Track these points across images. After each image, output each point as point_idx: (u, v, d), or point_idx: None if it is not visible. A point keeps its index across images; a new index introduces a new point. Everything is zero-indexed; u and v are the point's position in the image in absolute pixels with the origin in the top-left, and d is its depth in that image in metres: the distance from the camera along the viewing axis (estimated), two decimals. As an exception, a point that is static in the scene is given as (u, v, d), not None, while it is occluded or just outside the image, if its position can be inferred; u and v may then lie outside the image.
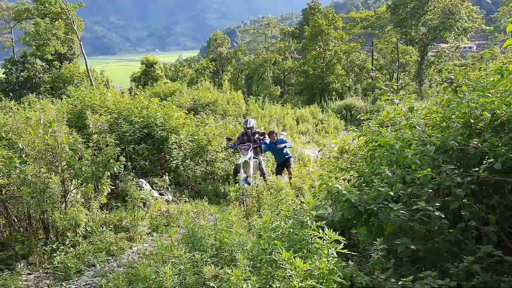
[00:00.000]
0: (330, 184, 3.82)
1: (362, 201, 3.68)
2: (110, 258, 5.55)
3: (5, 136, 6.75)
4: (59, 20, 30.95)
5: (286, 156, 10.51)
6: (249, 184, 8.61)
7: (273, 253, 2.43)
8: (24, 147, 5.99)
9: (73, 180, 5.98)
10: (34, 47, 31.12)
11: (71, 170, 5.89)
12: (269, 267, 2.38)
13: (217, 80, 43.83)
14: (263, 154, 10.28)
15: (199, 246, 3.09)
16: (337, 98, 35.18)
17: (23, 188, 5.34)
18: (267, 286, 2.34)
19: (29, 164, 5.64)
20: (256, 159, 9.65)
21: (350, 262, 3.26)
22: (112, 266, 5.27)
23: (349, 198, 3.59)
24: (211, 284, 2.41)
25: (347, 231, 4.93)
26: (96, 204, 6.86)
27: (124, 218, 6.59)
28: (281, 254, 2.27)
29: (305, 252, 2.52)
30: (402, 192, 3.77)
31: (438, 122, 4.77)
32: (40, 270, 5.10)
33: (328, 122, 24.54)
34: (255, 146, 9.77)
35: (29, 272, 5.07)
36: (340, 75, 39.46)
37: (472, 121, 4.26)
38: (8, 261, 5.27)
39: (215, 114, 16.81)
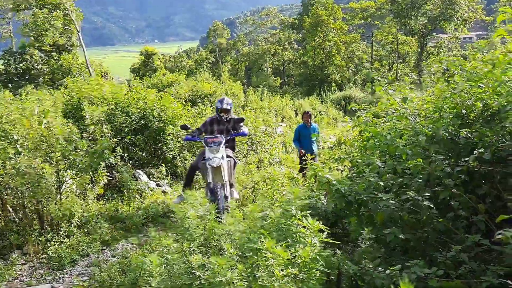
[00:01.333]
0: (320, 174, 3.84)
1: (353, 191, 3.69)
2: (105, 248, 5.58)
3: (0, 127, 6.74)
4: (57, 10, 30.81)
5: (314, 149, 8.84)
6: (220, 199, 5.81)
7: (258, 242, 2.45)
8: (19, 138, 5.99)
9: (68, 171, 6.00)
10: (32, 38, 31.02)
11: (66, 161, 5.90)
12: (254, 256, 2.41)
13: (216, 71, 43.75)
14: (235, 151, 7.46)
15: (188, 236, 3.11)
16: (337, 89, 35.13)
17: (17, 178, 5.36)
18: (252, 274, 2.36)
19: (23, 155, 5.65)
20: (231, 159, 6.62)
21: (338, 251, 3.28)
22: (107, 256, 5.31)
23: (339, 188, 3.61)
24: (198, 273, 2.43)
25: (340, 221, 4.96)
26: (92, 194, 6.89)
27: (120, 209, 6.61)
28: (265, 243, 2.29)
29: (290, 241, 2.54)
30: (392, 182, 3.78)
31: (431, 113, 4.77)
32: (35, 260, 5.13)
33: (327, 113, 24.51)
34: (229, 138, 6.71)
35: (24, 262, 5.11)
36: (340, 66, 39.37)
37: (464, 111, 4.25)
38: (3, 251, 5.31)
39: (214, 105, 16.78)
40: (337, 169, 6.03)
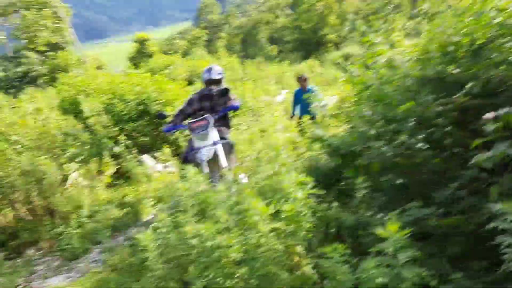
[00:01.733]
0: (311, 131, 3.83)
1: (345, 144, 3.68)
2: (116, 233, 5.68)
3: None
4: (45, 9, 30.58)
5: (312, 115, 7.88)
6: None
7: (246, 203, 2.47)
8: (18, 138, 6.06)
9: (71, 164, 6.07)
10: (25, 41, 30.94)
11: (67, 154, 5.96)
12: (244, 218, 2.43)
13: (212, 48, 43.37)
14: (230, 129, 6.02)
15: (181, 207, 3.16)
16: (334, 48, 34.66)
17: (21, 178, 5.44)
18: (243, 235, 2.39)
19: (23, 154, 5.71)
20: (226, 141, 5.41)
21: (334, 203, 3.30)
22: (119, 240, 5.41)
23: (330, 143, 3.59)
24: (192, 242, 2.46)
25: (339, 176, 4.95)
26: (101, 184, 6.98)
27: (128, 195, 6.70)
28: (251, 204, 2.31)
29: (277, 198, 2.56)
30: (383, 129, 3.75)
31: (420, 56, 4.69)
32: (49, 254, 5.26)
33: (327, 74, 24.22)
34: (218, 116, 5.43)
35: (39, 257, 5.23)
36: (334, 26, 38.67)
37: (450, 48, 4.17)
38: (19, 249, 5.46)
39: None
40: (334, 126, 6.02)
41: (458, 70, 3.72)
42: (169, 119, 5.80)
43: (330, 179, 5.07)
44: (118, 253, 4.64)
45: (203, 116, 5.17)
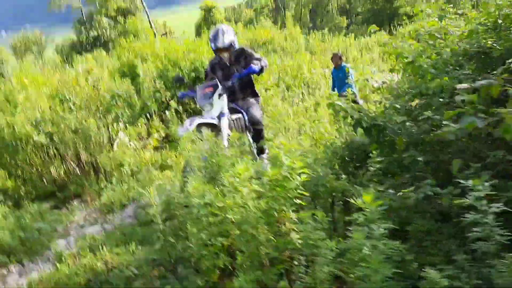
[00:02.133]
0: (333, 102, 3.73)
1: (369, 117, 3.56)
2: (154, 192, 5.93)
3: (56, 89, 7.27)
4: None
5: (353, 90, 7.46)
6: None
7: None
8: (71, 97, 6.45)
9: (117, 124, 6.39)
10: (98, 5, 32.38)
11: (113, 115, 6.28)
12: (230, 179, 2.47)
13: (279, 18, 42.87)
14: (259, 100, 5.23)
15: (190, 168, 3.26)
16: (408, 22, 33.02)
17: (71, 135, 5.82)
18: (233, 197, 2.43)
19: (73, 112, 6.09)
20: (238, 116, 4.76)
21: (342, 176, 3.23)
22: (155, 199, 5.65)
23: (352, 115, 3.49)
24: (197, 201, 2.54)
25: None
26: (148, 146, 7.30)
27: (170, 157, 6.94)
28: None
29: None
30: (410, 104, 3.60)
31: (466, 29, 4.40)
32: (91, 207, 5.64)
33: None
34: (232, 83, 4.64)
35: (81, 209, 5.63)
36: (410, -3, 36.78)
37: (500, 21, 3.87)
38: (65, 201, 5.90)
39: (272, 52, 16.66)
40: (374, 101, 5.82)
41: (499, 44, 3.45)
42: None
43: (366, 155, 4.98)
44: (149, 210, 4.88)
45: (211, 82, 4.54)
